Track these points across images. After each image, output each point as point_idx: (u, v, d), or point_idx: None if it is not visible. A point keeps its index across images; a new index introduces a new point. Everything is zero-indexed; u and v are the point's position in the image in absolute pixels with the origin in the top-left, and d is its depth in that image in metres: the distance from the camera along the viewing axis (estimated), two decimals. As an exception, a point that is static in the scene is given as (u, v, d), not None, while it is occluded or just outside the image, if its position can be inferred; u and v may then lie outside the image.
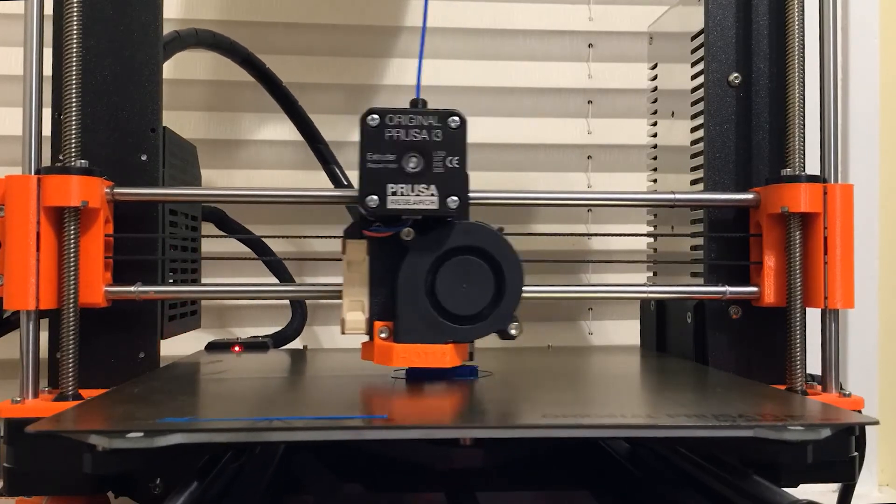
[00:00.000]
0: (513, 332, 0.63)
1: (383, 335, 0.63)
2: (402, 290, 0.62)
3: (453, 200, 0.61)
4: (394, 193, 0.61)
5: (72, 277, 0.63)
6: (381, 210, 0.61)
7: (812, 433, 0.49)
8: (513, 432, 0.53)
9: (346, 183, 1.02)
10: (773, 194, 0.69)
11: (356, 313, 0.64)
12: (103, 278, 0.66)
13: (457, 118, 0.61)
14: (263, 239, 0.98)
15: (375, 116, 0.61)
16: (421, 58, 0.67)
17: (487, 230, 0.63)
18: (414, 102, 0.62)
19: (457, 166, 0.61)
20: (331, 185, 1.02)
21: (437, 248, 0.62)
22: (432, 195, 0.61)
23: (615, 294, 0.79)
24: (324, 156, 1.02)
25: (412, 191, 0.61)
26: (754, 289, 0.71)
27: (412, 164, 0.61)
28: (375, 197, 0.61)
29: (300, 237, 1.06)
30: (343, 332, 0.64)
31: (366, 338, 0.65)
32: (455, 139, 0.61)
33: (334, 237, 0.76)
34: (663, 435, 0.54)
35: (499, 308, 0.63)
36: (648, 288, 0.78)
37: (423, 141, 0.61)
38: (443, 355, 0.62)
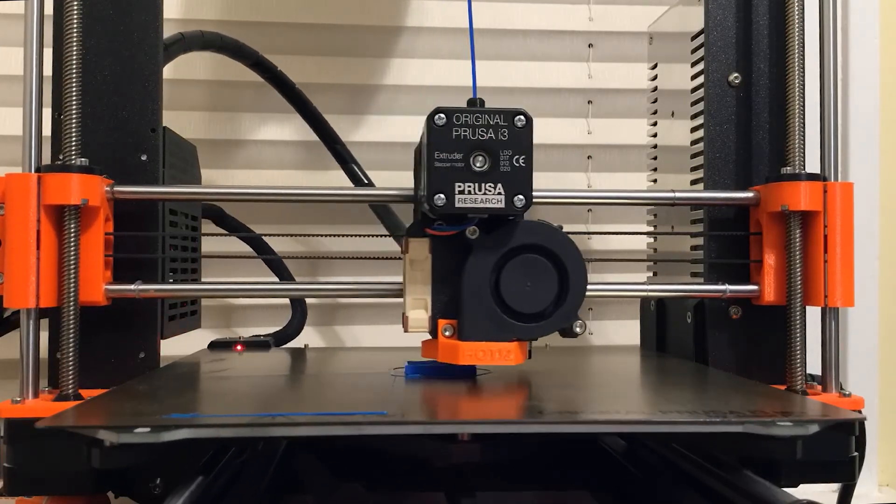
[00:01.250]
0: (577, 329, 0.63)
1: (448, 333, 0.63)
2: (467, 288, 0.62)
3: (519, 199, 0.61)
4: (461, 192, 0.61)
5: (72, 276, 0.63)
6: (449, 209, 0.61)
7: (801, 429, 0.49)
8: (509, 427, 0.54)
9: (366, 182, 1.03)
10: (773, 192, 0.69)
11: (419, 311, 0.64)
12: (103, 277, 0.66)
13: (523, 117, 0.61)
14: (269, 238, 0.98)
15: (442, 116, 0.61)
16: (473, 57, 0.68)
17: (551, 228, 0.63)
18: (472, 102, 0.62)
19: (523, 165, 0.61)
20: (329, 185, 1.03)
21: (501, 246, 0.63)
22: (499, 194, 0.61)
23: (615, 293, 0.79)
24: (342, 156, 1.02)
25: (479, 189, 0.61)
26: (754, 287, 0.71)
27: (479, 163, 0.61)
28: (443, 195, 0.60)
29: (299, 235, 1.06)
30: (406, 330, 0.64)
31: (426, 336, 0.65)
32: (521, 138, 0.61)
33: (332, 236, 0.76)
34: (654, 430, 0.54)
35: (563, 306, 0.63)
36: (648, 286, 0.78)
37: (490, 140, 0.61)
38: (508, 353, 0.63)
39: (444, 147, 0.61)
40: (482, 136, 0.61)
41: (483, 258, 0.63)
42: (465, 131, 0.61)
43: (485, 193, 0.61)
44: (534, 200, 0.71)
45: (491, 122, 0.61)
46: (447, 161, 0.61)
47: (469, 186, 0.61)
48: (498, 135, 0.61)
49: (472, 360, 0.62)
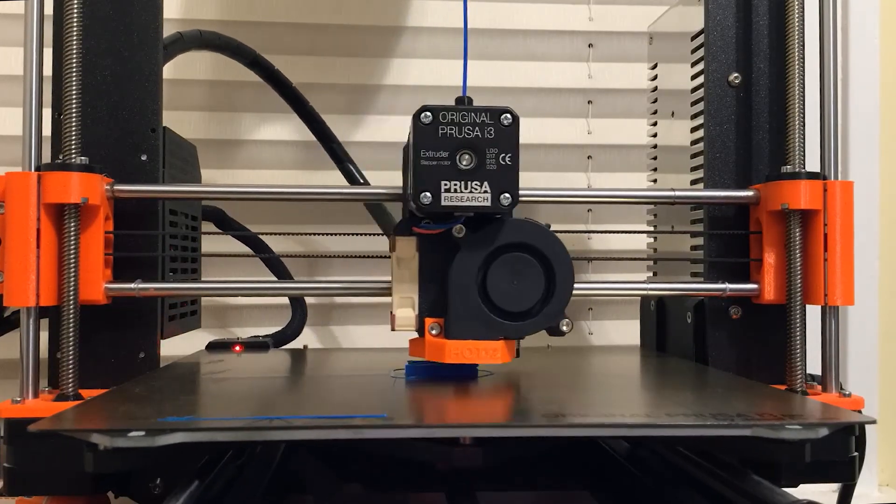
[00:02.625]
0: (564, 328, 0.63)
1: (434, 332, 0.63)
2: (454, 287, 0.62)
3: (506, 197, 0.61)
4: (447, 190, 0.61)
5: (72, 274, 0.63)
6: (435, 207, 0.61)
7: (810, 432, 0.49)
8: (511, 431, 0.53)
9: (362, 181, 1.03)
10: (773, 191, 0.69)
11: (406, 310, 0.64)
12: (103, 275, 0.66)
13: (509, 115, 0.61)
14: (267, 238, 0.98)
15: (428, 114, 0.61)
16: (465, 55, 0.68)
17: (538, 227, 0.63)
18: (461, 100, 0.62)
19: (509, 163, 0.61)
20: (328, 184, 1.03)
21: (488, 244, 0.63)
22: (485, 192, 0.61)
23: (614, 291, 0.79)
24: (338, 155, 1.03)
25: (465, 188, 0.61)
26: (754, 286, 0.71)
27: (465, 161, 0.61)
28: (429, 194, 0.60)
29: (296, 234, 1.06)
30: (393, 329, 0.64)
31: (414, 334, 0.65)
32: (508, 136, 0.61)
33: (329, 234, 0.76)
34: (662, 434, 0.54)
35: (549, 305, 0.63)
36: (648, 285, 0.77)
37: (477, 138, 0.61)
38: (494, 352, 0.62)
39: (429, 145, 0.61)
40: (468, 134, 0.61)
41: (470, 256, 0.63)
42: (451, 129, 0.61)
43: (471, 192, 0.61)
44: (534, 199, 0.71)
45: (477, 121, 0.61)
46: (433, 159, 0.61)
47: (455, 185, 0.61)
48: (484, 133, 0.61)
49: (459, 358, 0.62)
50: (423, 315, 0.64)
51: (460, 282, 0.62)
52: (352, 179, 1.03)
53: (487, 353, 0.62)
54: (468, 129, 0.61)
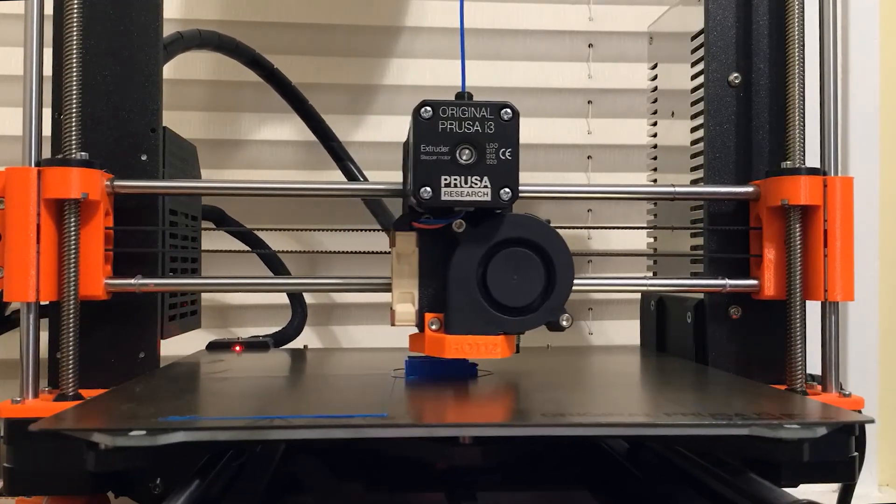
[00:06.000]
0: (564, 323, 0.63)
1: (434, 327, 0.63)
2: (454, 282, 0.62)
3: (506, 192, 0.61)
4: (447, 185, 0.61)
5: (72, 269, 0.63)
6: (435, 202, 0.61)
7: (808, 431, 0.49)
8: (511, 431, 0.53)
9: (362, 178, 1.03)
10: (773, 187, 0.69)
11: (406, 305, 0.64)
12: (103, 271, 0.66)
13: (509, 110, 0.61)
14: (267, 236, 0.98)
15: (429, 109, 0.61)
16: (462, 51, 0.68)
17: (538, 222, 0.63)
18: (460, 95, 0.62)
19: (509, 158, 0.61)
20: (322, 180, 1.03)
21: (488, 239, 0.62)
22: (485, 187, 0.61)
23: (613, 287, 0.79)
24: (337, 153, 1.03)
25: (465, 182, 0.61)
26: (754, 282, 0.71)
27: (465, 156, 0.61)
28: (429, 188, 0.61)
29: (296, 230, 1.06)
30: (393, 324, 0.64)
31: (414, 329, 0.65)
32: (508, 131, 0.61)
33: (329, 230, 0.76)
34: (661, 433, 0.53)
35: (549, 300, 0.63)
36: (647, 281, 0.77)
37: (477, 133, 0.61)
38: (494, 346, 0.62)
39: (430, 140, 0.61)
40: (468, 129, 0.61)
41: (469, 251, 0.62)
42: (451, 124, 0.61)
43: (471, 186, 0.61)
44: (535, 195, 0.71)
45: (477, 115, 0.61)
46: (433, 154, 0.61)
47: (455, 179, 0.61)
48: (484, 128, 0.61)
49: (458, 353, 0.62)
50: (422, 310, 0.64)
51: (460, 277, 0.62)
52: (351, 177, 1.03)
53: (487, 348, 0.62)
54: (468, 124, 0.61)
